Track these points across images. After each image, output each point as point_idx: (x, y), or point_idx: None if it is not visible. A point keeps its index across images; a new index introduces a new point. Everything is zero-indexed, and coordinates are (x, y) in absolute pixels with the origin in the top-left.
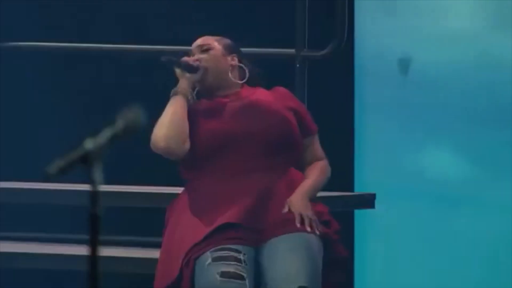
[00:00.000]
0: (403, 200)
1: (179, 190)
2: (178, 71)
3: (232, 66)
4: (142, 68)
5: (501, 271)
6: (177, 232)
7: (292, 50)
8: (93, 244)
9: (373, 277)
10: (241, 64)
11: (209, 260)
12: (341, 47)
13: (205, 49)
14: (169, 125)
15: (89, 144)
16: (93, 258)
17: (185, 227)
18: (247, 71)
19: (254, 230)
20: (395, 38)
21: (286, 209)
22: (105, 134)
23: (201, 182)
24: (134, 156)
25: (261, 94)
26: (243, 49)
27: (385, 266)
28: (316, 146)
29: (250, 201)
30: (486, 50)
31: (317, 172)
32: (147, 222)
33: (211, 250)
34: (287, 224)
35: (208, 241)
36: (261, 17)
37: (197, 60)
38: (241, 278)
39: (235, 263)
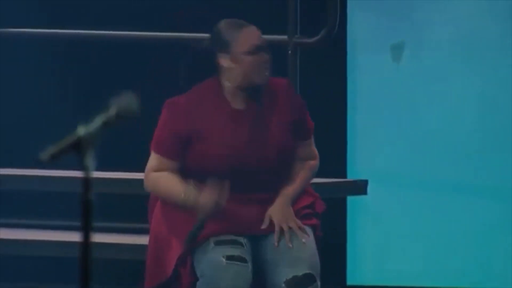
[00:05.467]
0: (395, 187)
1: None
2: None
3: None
4: (137, 54)
5: (492, 257)
6: (166, 228)
7: (285, 37)
8: (86, 230)
9: (365, 262)
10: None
11: (212, 245)
12: (333, 33)
13: (266, 49)
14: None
15: (82, 130)
16: (86, 245)
17: (174, 224)
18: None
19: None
20: (388, 24)
21: (265, 224)
22: (98, 121)
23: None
24: (127, 142)
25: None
26: None
27: (377, 251)
28: (311, 147)
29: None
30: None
31: (304, 174)
32: (140, 208)
33: (212, 236)
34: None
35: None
36: (253, 4)
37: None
38: (245, 260)
39: (238, 246)
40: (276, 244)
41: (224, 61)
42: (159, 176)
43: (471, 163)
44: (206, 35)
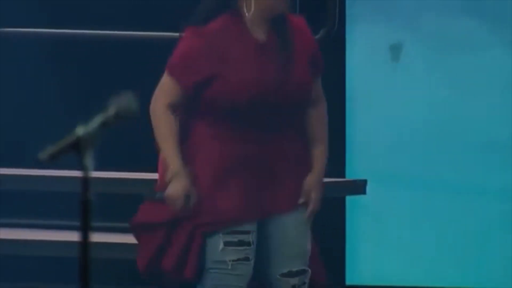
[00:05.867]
0: (395, 186)
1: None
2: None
3: None
4: (137, 54)
5: (492, 258)
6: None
7: None
8: (85, 230)
9: (364, 262)
10: None
11: (221, 246)
12: (332, 33)
13: None
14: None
15: (81, 130)
16: (85, 244)
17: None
18: None
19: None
20: (387, 25)
21: (304, 198)
22: (97, 121)
23: (217, 141)
24: (127, 142)
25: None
26: None
27: (376, 251)
28: (320, 85)
29: (259, 176)
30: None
31: (325, 132)
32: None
33: (222, 232)
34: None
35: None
36: None
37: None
38: (248, 259)
39: (245, 247)
40: (307, 215)
41: None
42: (165, 119)
43: (470, 163)
44: None
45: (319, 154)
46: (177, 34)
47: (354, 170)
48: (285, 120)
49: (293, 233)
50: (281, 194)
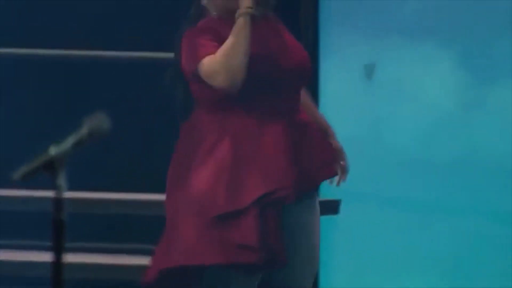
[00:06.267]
0: (369, 206)
1: (142, 196)
2: None
3: None
4: (111, 74)
5: (462, 275)
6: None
7: None
8: (57, 250)
9: (338, 282)
10: None
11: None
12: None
13: None
14: (239, 58)
15: (54, 150)
16: (57, 265)
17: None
18: None
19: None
20: (360, 45)
21: (343, 161)
22: (70, 141)
23: (234, 119)
24: (101, 162)
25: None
26: None
27: (350, 270)
28: None
29: (289, 154)
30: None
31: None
32: (112, 228)
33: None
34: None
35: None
36: None
37: None
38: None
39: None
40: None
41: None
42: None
43: (440, 182)
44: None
45: (324, 120)
46: (149, 54)
47: (328, 190)
48: (298, 93)
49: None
50: (319, 162)
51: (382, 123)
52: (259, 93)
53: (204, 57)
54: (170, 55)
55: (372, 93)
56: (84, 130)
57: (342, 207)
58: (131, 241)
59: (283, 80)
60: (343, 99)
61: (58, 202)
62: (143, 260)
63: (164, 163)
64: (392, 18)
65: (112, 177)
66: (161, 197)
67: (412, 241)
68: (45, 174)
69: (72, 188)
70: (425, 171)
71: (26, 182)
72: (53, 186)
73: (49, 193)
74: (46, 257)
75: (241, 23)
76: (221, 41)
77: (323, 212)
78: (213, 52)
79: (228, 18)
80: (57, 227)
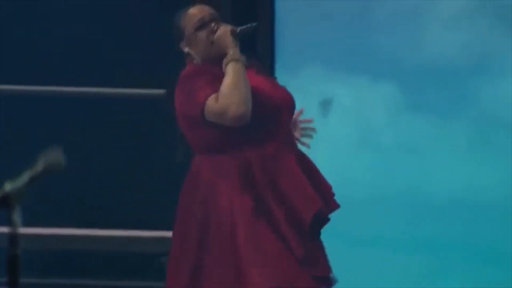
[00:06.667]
0: (333, 243)
1: (94, 232)
2: (233, 40)
3: None
4: (67, 109)
5: None
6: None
7: None
8: (12, 286)
9: None
10: None
11: None
12: None
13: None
14: (245, 90)
15: (8, 186)
16: None
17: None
18: None
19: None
20: (318, 80)
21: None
22: (25, 176)
23: (240, 153)
24: (56, 198)
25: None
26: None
27: None
28: None
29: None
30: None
31: None
32: (68, 264)
33: None
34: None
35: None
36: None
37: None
38: None
39: None
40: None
41: (184, 47)
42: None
43: (410, 220)
44: (138, 90)
45: None
46: (107, 90)
47: None
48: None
49: None
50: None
51: (339, 160)
52: (262, 128)
53: (206, 98)
54: (150, 91)
55: (329, 128)
56: (39, 166)
57: None
58: (87, 277)
59: (279, 115)
60: None
61: (13, 238)
62: None
63: (121, 199)
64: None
65: (69, 213)
66: (118, 233)
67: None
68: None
69: (26, 223)
70: (390, 208)
71: None
72: (8, 221)
73: (4, 229)
74: None
75: (234, 65)
76: (215, 80)
77: None
78: (212, 93)
79: (212, 63)
80: (12, 263)
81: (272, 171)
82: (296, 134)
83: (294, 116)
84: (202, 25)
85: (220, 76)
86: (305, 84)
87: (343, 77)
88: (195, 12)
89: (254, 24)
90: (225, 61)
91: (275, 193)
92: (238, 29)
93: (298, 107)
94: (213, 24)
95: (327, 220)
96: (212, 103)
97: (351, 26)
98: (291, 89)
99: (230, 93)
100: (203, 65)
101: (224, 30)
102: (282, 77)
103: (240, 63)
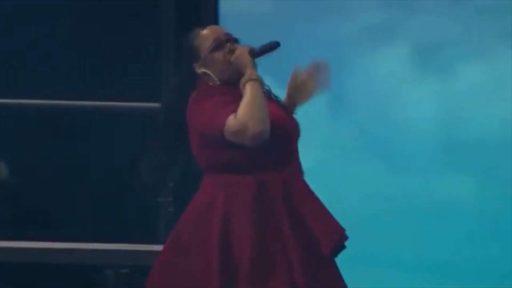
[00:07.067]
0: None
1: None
2: (252, 60)
3: None
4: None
5: None
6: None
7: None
8: None
9: None
10: None
11: None
12: None
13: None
14: (263, 109)
15: None
16: None
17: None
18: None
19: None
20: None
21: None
22: None
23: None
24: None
25: None
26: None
27: None
28: None
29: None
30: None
31: None
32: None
33: None
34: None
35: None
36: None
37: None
38: None
39: None
40: None
41: (199, 68)
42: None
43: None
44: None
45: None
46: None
47: None
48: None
49: None
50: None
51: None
52: (280, 151)
53: (226, 117)
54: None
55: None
56: None
57: None
58: None
59: (291, 141)
60: None
61: None
62: None
63: (76, 212)
64: None
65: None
66: (70, 245)
67: None
68: None
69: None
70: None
71: None
72: None
73: None
74: None
75: (252, 85)
76: (235, 100)
77: None
78: (232, 113)
79: (229, 83)
80: None
81: (290, 194)
82: (312, 86)
83: (307, 70)
84: (218, 45)
85: (239, 96)
86: None
87: None
88: (208, 33)
89: (274, 42)
90: (243, 80)
91: (292, 218)
92: (258, 49)
93: None
94: (228, 44)
95: (344, 247)
96: (231, 123)
97: None
98: None
99: (248, 112)
100: (221, 85)
101: (242, 50)
102: None
103: (258, 83)
